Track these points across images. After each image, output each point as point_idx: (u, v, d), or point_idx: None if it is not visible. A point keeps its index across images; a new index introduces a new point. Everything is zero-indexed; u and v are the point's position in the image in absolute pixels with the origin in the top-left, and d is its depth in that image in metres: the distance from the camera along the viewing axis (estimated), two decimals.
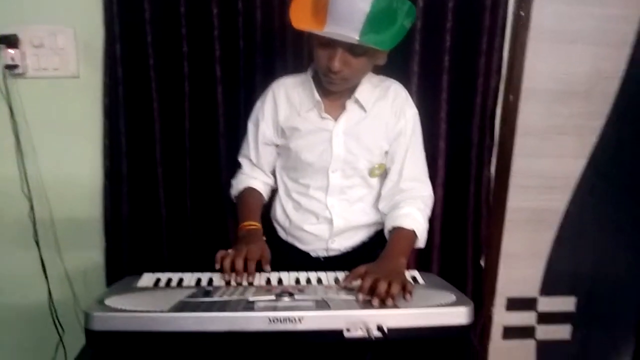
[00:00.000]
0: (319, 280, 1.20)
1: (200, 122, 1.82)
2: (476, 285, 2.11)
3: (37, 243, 1.89)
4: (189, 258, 1.90)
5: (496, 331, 2.24)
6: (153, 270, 1.24)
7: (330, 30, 1.18)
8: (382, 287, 1.03)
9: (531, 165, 2.03)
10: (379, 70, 1.41)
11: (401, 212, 1.36)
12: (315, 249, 1.47)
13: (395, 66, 1.45)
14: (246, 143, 1.51)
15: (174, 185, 1.87)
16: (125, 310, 0.96)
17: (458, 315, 1.01)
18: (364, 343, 0.96)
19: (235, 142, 1.62)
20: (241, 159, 1.54)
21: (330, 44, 1.21)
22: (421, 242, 1.37)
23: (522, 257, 2.15)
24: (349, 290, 1.10)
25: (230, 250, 1.22)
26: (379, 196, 1.45)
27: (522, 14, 1.88)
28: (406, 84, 1.48)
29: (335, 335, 0.96)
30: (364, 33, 1.16)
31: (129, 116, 1.80)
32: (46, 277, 1.93)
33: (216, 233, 1.89)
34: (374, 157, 1.40)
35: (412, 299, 1.05)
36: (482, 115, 1.92)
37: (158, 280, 1.17)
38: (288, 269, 1.26)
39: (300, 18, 1.23)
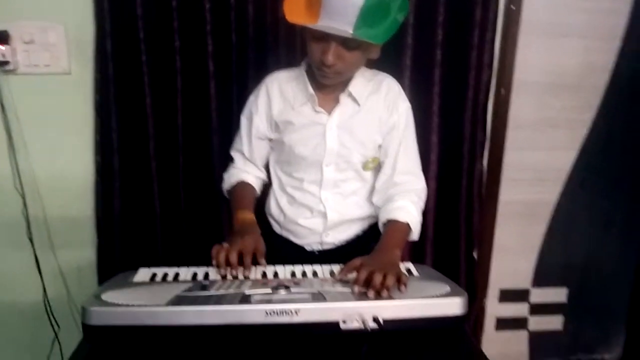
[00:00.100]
0: (315, 273, 1.21)
1: (193, 117, 1.82)
2: (469, 277, 2.12)
3: (30, 240, 1.89)
4: (183, 253, 1.90)
5: (489, 323, 2.26)
6: (147, 266, 1.23)
7: (324, 23, 1.18)
8: (378, 279, 1.04)
9: (523, 159, 2.05)
10: (372, 64, 1.41)
11: (395, 205, 1.36)
12: (310, 242, 1.48)
13: (387, 60, 1.45)
14: (239, 137, 1.51)
15: (167, 181, 1.86)
16: (122, 305, 0.96)
17: (452, 305, 1.02)
18: (360, 334, 0.97)
19: (228, 137, 1.61)
20: (234, 153, 1.54)
21: (324, 37, 1.21)
22: (415, 234, 1.38)
23: (515, 249, 2.18)
24: (344, 282, 1.11)
25: (224, 244, 1.22)
26: (372, 190, 1.46)
27: (513, 7, 1.89)
28: (399, 78, 1.48)
29: (331, 327, 0.97)
30: (358, 27, 1.16)
31: (121, 112, 1.79)
32: (40, 274, 1.93)
33: (210, 228, 1.89)
34: (367, 150, 1.41)
35: (407, 291, 1.06)
36: (474, 108, 1.93)
37: (154, 275, 1.17)
38: (283, 263, 1.27)
39: (294, 12, 1.23)
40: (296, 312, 0.96)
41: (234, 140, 1.54)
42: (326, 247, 1.48)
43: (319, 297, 1.01)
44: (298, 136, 1.39)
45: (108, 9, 1.69)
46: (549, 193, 2.13)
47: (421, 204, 1.42)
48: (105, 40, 1.72)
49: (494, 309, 2.25)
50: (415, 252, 2.00)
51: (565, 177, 2.11)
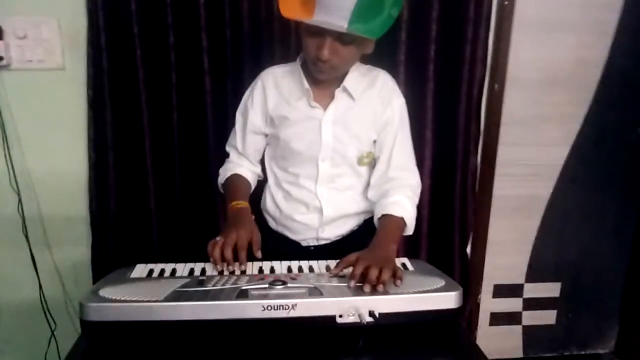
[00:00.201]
0: (311, 269, 1.21)
1: (188, 112, 1.82)
2: (463, 272, 2.14)
3: (26, 237, 1.89)
4: (179, 250, 1.90)
5: (483, 318, 2.28)
6: (142, 263, 1.23)
7: (319, 18, 1.18)
8: (373, 273, 1.04)
9: (516, 154, 2.06)
10: (366, 60, 1.42)
11: (390, 200, 1.37)
12: (306, 238, 1.48)
13: (382, 56, 1.46)
14: (234, 133, 1.51)
15: (162, 177, 1.87)
16: (120, 301, 0.96)
17: (447, 299, 1.03)
18: (357, 328, 0.97)
19: (224, 132, 1.62)
20: (229, 148, 1.54)
21: (319, 32, 1.21)
22: (410, 229, 1.39)
23: (508, 245, 2.19)
24: (340, 277, 1.11)
25: (219, 238, 1.22)
26: (368, 185, 1.46)
27: (506, 3, 1.90)
28: (393, 73, 1.49)
29: (328, 321, 0.97)
30: (353, 22, 1.16)
31: (115, 108, 1.79)
32: (36, 272, 1.92)
33: (206, 224, 1.89)
34: (362, 145, 1.41)
35: (403, 285, 1.06)
36: (467, 104, 1.94)
37: (151, 271, 1.17)
38: (279, 258, 1.27)
39: (289, 7, 1.23)
40: (293, 307, 0.96)
41: (229, 136, 1.54)
42: (322, 242, 1.48)
43: (315, 292, 1.01)
44: (293, 131, 1.39)
45: (101, 3, 1.69)
46: (543, 188, 2.15)
47: (416, 199, 1.43)
48: (99, 35, 1.72)
49: (488, 304, 2.26)
50: (410, 247, 2.01)
51: (558, 172, 2.12)
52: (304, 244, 1.49)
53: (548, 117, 2.04)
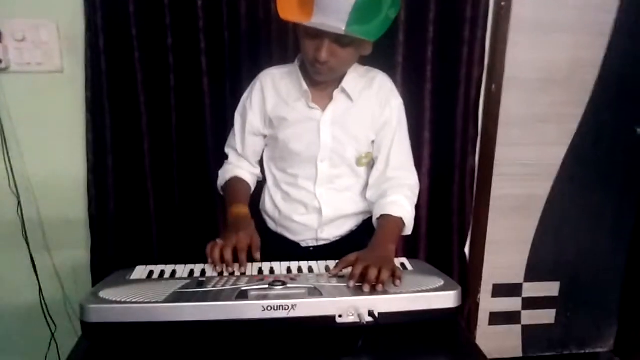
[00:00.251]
0: (311, 269, 1.22)
1: (187, 114, 1.82)
2: (462, 272, 2.14)
3: (26, 240, 1.88)
4: (179, 252, 1.90)
5: (483, 317, 2.28)
6: (142, 265, 1.23)
7: (317, 21, 1.18)
8: (373, 273, 1.05)
9: (514, 154, 2.07)
10: (364, 61, 1.42)
11: (389, 200, 1.37)
12: (305, 239, 1.49)
13: (380, 57, 1.46)
14: (233, 134, 1.51)
15: (161, 179, 1.87)
16: (120, 302, 0.96)
17: (447, 299, 1.03)
18: (356, 328, 0.98)
19: (223, 134, 1.62)
20: (228, 150, 1.54)
21: (317, 34, 1.22)
22: (409, 229, 1.39)
23: (507, 244, 2.19)
24: (340, 277, 1.11)
25: (219, 240, 1.22)
26: (366, 185, 1.47)
27: (503, 4, 1.91)
28: (391, 74, 1.49)
29: (327, 321, 0.98)
30: (351, 24, 1.17)
31: (113, 110, 1.79)
32: (36, 274, 1.92)
33: (205, 226, 1.89)
34: (361, 146, 1.41)
35: (402, 285, 1.07)
36: (465, 105, 1.94)
37: (151, 272, 1.18)
38: (278, 259, 1.27)
39: (287, 9, 1.24)
40: (293, 307, 0.97)
41: (228, 137, 1.54)
42: (321, 243, 1.48)
43: (315, 292, 1.02)
44: (292, 132, 1.39)
45: (99, 5, 1.69)
46: (540, 188, 2.15)
47: (414, 199, 1.43)
48: (97, 38, 1.71)
49: (487, 303, 2.26)
50: (409, 247, 2.01)
51: (556, 172, 2.13)
52: (303, 244, 1.49)
53: (545, 117, 2.05)
